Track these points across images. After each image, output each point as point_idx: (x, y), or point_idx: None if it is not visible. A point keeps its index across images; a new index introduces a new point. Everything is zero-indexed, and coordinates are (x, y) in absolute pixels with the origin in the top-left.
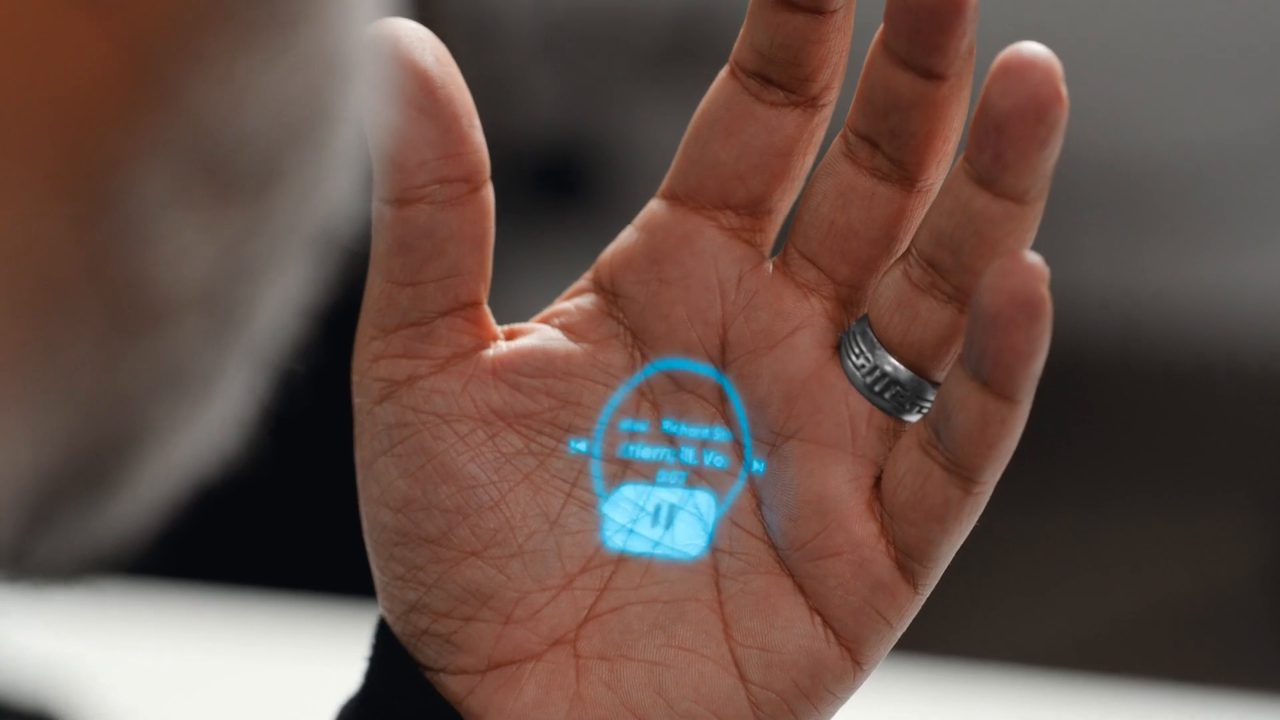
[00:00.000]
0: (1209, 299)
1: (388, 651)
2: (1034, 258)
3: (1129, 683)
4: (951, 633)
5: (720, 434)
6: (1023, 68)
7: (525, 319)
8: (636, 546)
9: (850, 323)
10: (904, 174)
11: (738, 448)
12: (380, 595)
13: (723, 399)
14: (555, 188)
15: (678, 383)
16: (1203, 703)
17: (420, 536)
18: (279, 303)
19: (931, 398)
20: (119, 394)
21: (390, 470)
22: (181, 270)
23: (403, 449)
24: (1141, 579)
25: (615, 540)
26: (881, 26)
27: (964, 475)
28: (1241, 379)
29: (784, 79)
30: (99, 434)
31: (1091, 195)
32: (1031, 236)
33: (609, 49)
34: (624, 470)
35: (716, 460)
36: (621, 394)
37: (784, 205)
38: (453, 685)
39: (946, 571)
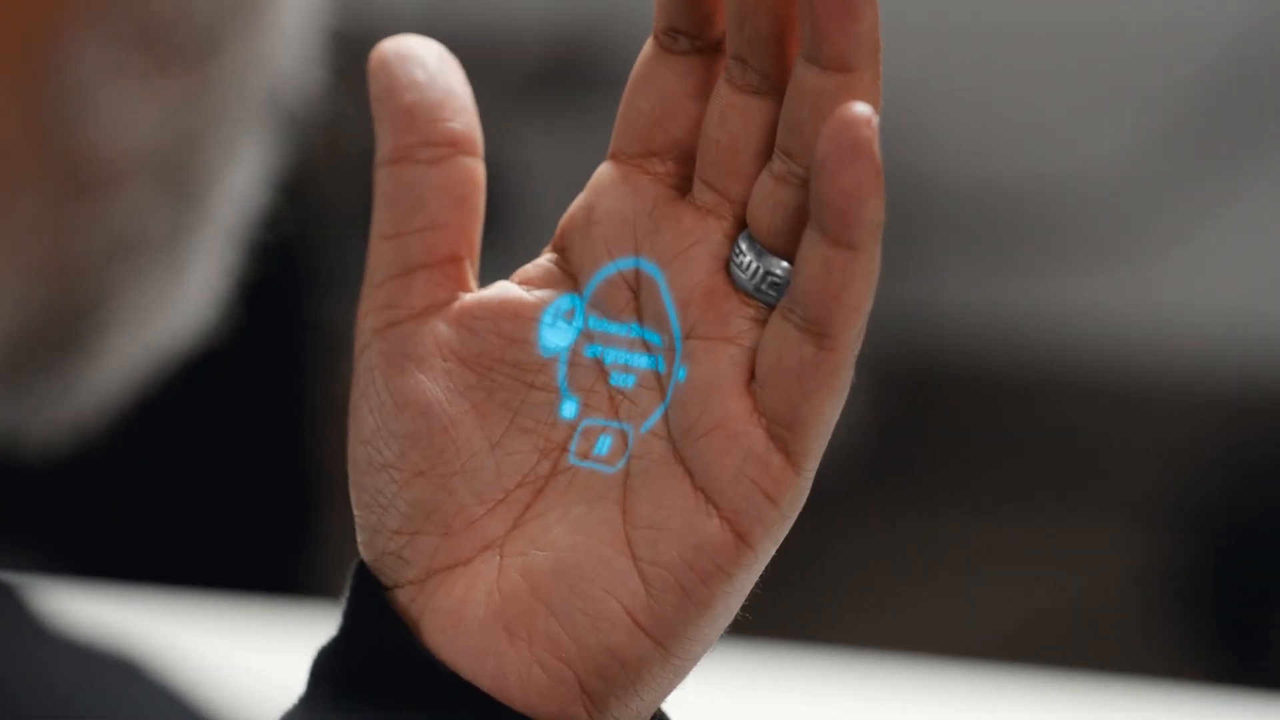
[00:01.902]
0: (1062, 321)
1: (355, 581)
2: (862, 107)
3: (1014, 670)
4: (849, 624)
5: (640, 351)
6: None
7: None
8: (576, 459)
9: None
10: (769, 83)
11: (658, 365)
12: (357, 527)
13: (640, 318)
14: None
15: (602, 310)
16: (1081, 686)
17: (379, 462)
18: (241, 173)
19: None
20: (73, 260)
21: (362, 408)
22: (123, 137)
23: (371, 388)
24: (1015, 582)
25: (574, 455)
26: None
27: (816, 331)
28: (1097, 396)
29: (687, 26)
30: (60, 301)
31: (951, 222)
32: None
33: (483, 75)
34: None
35: (640, 382)
36: (562, 303)
37: (692, 152)
38: (401, 597)
39: (839, 568)
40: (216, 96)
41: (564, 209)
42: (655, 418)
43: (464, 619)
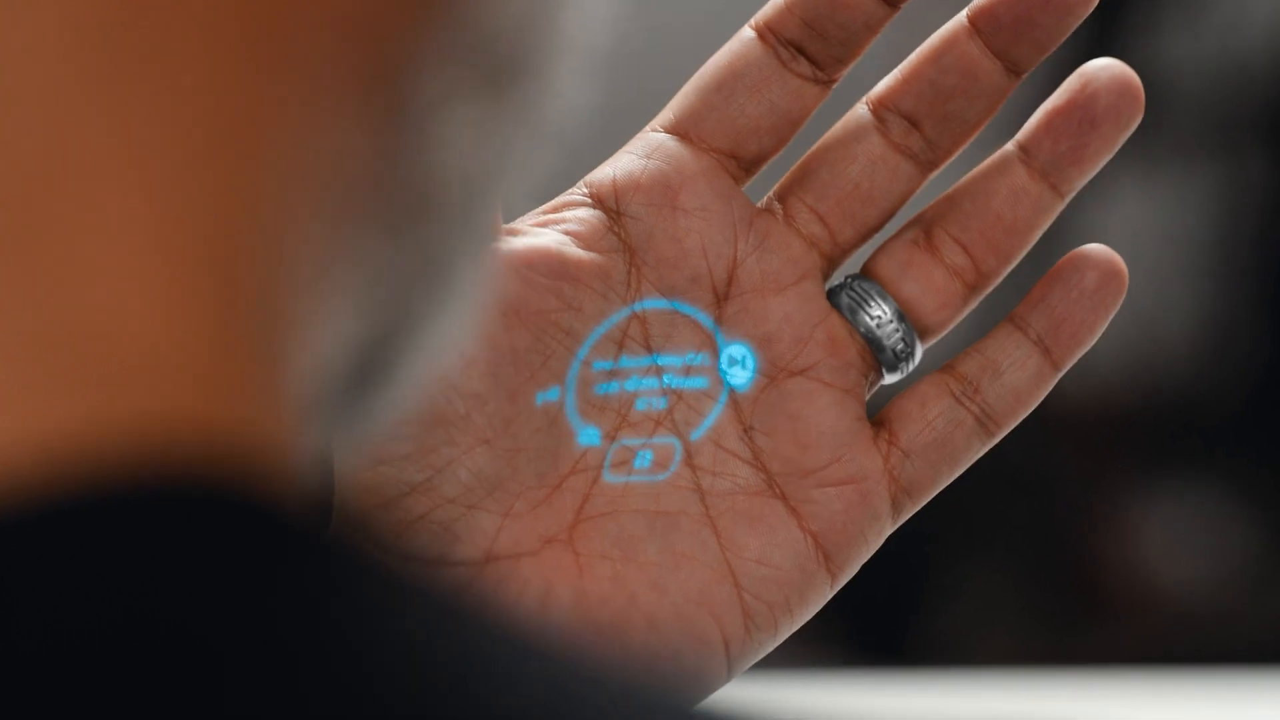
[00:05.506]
0: None
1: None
2: (1118, 257)
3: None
4: None
5: (704, 360)
6: (1129, 78)
7: None
8: (616, 474)
9: (832, 278)
10: (932, 156)
11: (718, 374)
12: (366, 479)
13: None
14: None
15: (673, 309)
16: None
17: (439, 418)
18: (509, 190)
19: (915, 359)
20: (396, 291)
21: None
22: (456, 163)
23: None
24: None
25: (611, 473)
26: (974, 13)
27: (993, 425)
28: None
29: (822, 56)
30: (377, 331)
31: None
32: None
33: None
34: (603, 398)
35: (697, 384)
36: (601, 331)
37: (761, 168)
38: (448, 578)
39: None
40: (519, 122)
41: None
42: (707, 424)
43: (548, 617)
